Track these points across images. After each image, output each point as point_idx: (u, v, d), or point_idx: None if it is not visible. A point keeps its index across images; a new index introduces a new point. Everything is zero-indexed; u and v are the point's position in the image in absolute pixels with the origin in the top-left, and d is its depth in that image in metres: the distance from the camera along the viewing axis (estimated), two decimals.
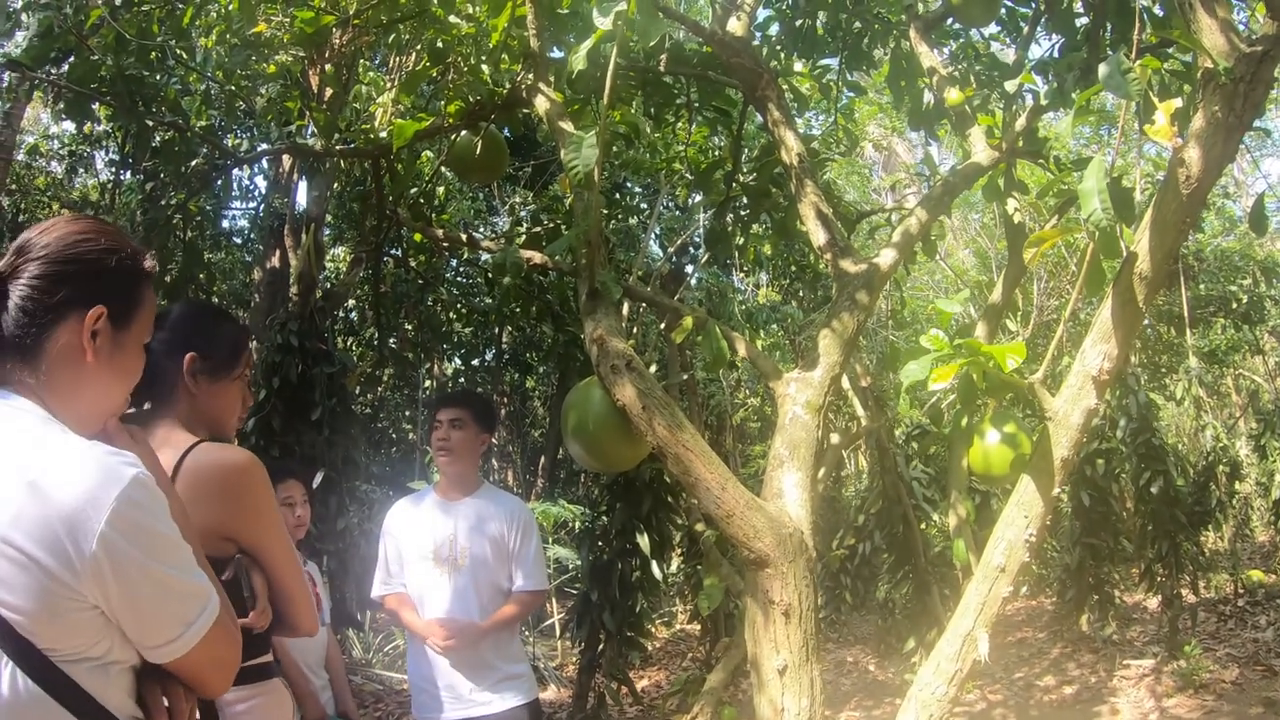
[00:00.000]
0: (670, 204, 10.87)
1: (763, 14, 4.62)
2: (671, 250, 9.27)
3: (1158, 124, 2.13)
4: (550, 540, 9.47)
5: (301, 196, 9.67)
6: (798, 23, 4.66)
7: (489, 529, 3.75)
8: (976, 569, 2.55)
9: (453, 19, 3.92)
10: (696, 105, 4.78)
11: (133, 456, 1.39)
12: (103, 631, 1.34)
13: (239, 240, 13.06)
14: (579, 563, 8.12)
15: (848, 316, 3.03)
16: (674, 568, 9.39)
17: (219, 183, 7.22)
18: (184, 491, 1.71)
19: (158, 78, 4.76)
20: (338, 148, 4.72)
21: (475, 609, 3.66)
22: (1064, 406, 2.45)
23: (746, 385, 13.18)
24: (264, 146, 9.09)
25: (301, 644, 3.74)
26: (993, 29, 4.57)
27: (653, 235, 10.92)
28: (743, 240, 5.12)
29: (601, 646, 6.49)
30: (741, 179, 4.72)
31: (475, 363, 16.05)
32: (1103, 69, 2.22)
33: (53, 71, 4.75)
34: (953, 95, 3.59)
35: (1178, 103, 2.18)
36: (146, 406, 1.97)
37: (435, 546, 3.74)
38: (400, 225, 4.91)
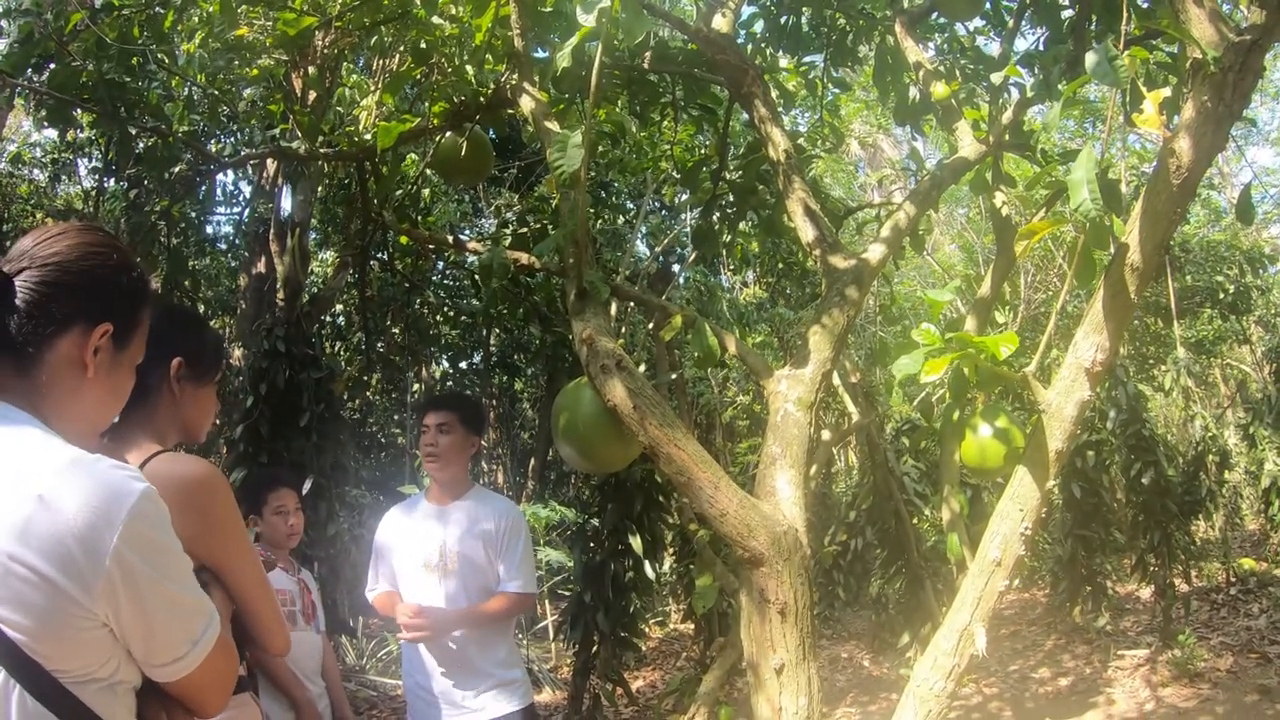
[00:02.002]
0: (657, 203, 10.85)
1: (747, 10, 4.61)
2: (658, 249, 9.25)
3: (1146, 113, 2.12)
4: (542, 542, 9.44)
5: (286, 201, 9.62)
6: (783, 19, 4.65)
7: (479, 531, 3.69)
8: (971, 563, 2.54)
9: (436, 20, 3.89)
10: (682, 103, 4.76)
11: (136, 470, 1.36)
12: (110, 651, 1.31)
13: (224, 246, 13.01)
14: (571, 565, 8.11)
15: (837, 312, 3.01)
16: (667, 568, 9.38)
17: (203, 188, 7.18)
18: None
19: (139, 83, 4.72)
20: (322, 151, 4.68)
21: None
22: (1057, 398, 2.43)
23: (735, 383, 13.18)
24: (247, 151, 9.04)
25: (298, 651, 3.71)
26: (977, 22, 4.58)
27: (639, 235, 10.90)
28: (730, 238, 5.09)
29: (596, 648, 6.48)
30: (728, 176, 4.70)
31: (463, 365, 16.04)
32: (1090, 58, 2.21)
33: (34, 78, 4.70)
34: (939, 89, 3.58)
35: (1166, 92, 2.17)
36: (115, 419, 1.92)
37: (426, 553, 3.68)
38: (386, 228, 4.88)
